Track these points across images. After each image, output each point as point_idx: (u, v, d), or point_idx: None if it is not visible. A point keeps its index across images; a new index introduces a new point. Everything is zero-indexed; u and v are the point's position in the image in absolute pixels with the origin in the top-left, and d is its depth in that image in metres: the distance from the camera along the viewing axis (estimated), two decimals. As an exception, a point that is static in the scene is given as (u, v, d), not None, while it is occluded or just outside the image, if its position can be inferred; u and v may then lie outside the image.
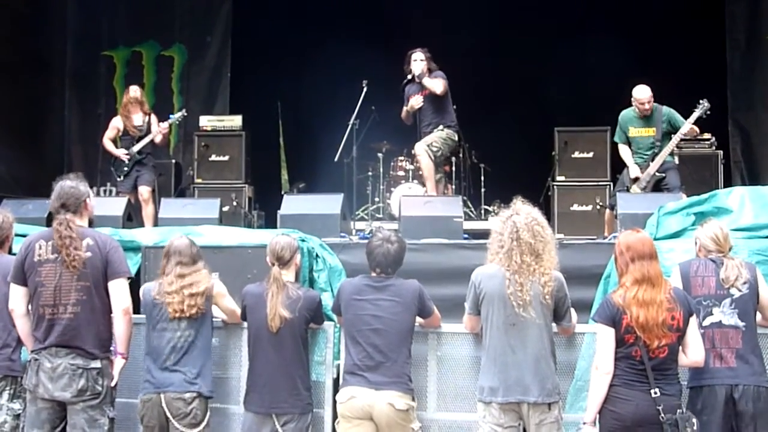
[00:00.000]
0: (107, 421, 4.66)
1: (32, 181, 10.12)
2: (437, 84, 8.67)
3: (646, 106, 8.14)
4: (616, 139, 8.59)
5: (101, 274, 4.67)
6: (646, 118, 8.22)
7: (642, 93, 8.16)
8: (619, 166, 8.70)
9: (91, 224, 4.93)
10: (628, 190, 8.15)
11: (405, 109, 8.95)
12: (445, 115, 8.84)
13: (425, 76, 8.71)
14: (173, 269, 5.13)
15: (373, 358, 4.88)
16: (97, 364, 4.64)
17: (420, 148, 8.77)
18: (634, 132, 8.31)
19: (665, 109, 8.20)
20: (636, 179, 8.14)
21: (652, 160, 8.12)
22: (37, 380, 4.62)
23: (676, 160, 8.50)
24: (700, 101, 8.01)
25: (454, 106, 9.05)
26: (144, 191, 9.19)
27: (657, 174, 8.09)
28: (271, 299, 5.08)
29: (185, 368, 5.02)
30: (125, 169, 9.29)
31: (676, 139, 8.07)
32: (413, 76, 8.77)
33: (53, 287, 4.64)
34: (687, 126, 7.97)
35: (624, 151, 8.42)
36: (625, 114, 8.39)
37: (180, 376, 5.01)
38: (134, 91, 9.49)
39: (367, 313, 4.95)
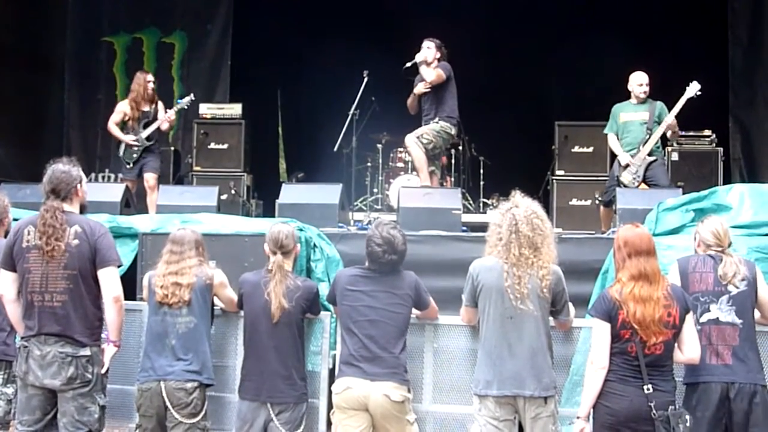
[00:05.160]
0: (98, 409, 4.62)
1: (31, 166, 9.95)
2: (429, 73, 8.55)
3: (644, 89, 8.15)
4: (606, 129, 8.54)
5: (89, 262, 4.61)
6: (639, 104, 8.23)
7: (641, 77, 8.19)
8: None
9: (83, 210, 4.86)
10: (618, 182, 8.11)
11: (413, 93, 8.84)
12: (442, 107, 8.71)
13: (424, 64, 8.63)
14: (164, 257, 5.18)
15: (368, 349, 4.86)
16: (86, 351, 4.59)
17: (410, 140, 8.63)
18: (625, 117, 8.27)
19: (659, 103, 8.21)
20: (627, 166, 8.10)
21: (643, 145, 8.09)
22: (27, 367, 4.58)
23: (675, 156, 8.46)
24: (690, 83, 8.00)
25: (456, 99, 9.02)
26: (150, 178, 9.07)
27: (647, 158, 8.06)
28: (274, 288, 5.07)
29: (186, 356, 5.02)
30: (134, 156, 9.17)
31: (662, 126, 8.06)
32: (414, 63, 8.70)
33: (40, 274, 4.60)
34: (672, 114, 7.99)
35: (613, 141, 8.39)
36: (618, 104, 8.40)
37: (181, 364, 5.00)
38: (150, 86, 9.24)
39: (362, 304, 4.93)
